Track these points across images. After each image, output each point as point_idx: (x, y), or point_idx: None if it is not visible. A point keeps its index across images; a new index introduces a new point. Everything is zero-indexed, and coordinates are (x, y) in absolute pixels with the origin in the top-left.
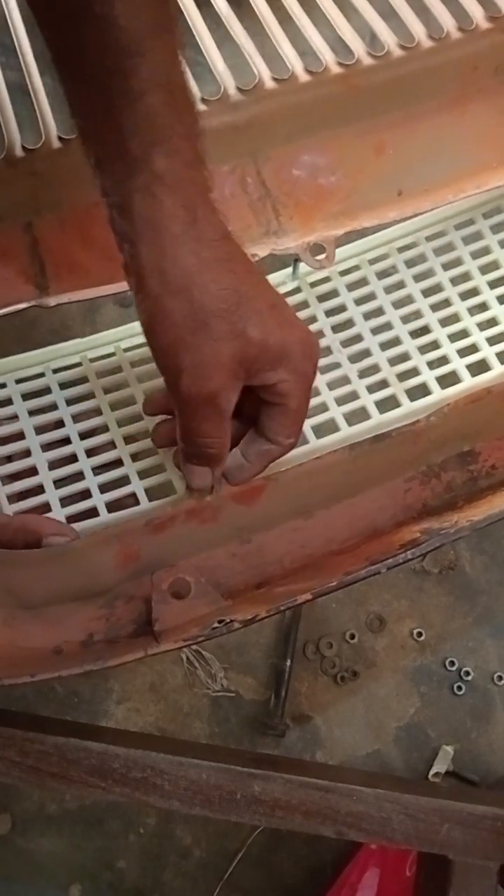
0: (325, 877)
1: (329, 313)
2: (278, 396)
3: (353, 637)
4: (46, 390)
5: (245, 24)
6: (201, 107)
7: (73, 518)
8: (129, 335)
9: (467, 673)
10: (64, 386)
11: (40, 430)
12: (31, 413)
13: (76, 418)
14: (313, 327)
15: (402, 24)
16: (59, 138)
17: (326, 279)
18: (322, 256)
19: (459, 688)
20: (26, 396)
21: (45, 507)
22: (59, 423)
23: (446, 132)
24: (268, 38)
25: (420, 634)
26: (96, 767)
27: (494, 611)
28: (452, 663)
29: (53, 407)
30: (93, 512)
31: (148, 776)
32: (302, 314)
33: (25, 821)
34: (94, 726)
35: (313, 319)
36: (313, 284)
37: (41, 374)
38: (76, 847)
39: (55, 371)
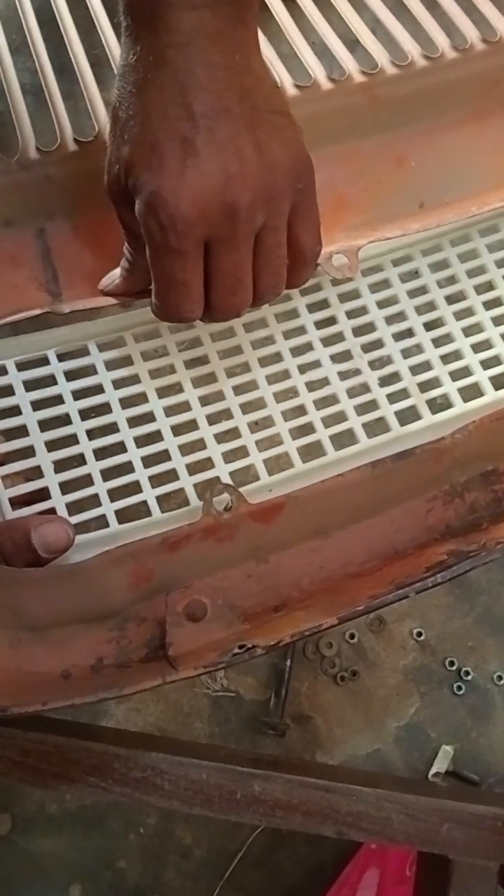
0: (325, 877)
1: (350, 315)
2: None
3: (353, 637)
4: (51, 379)
5: (265, 31)
6: None
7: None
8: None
9: (467, 673)
10: (70, 377)
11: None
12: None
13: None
14: (333, 329)
15: (425, 34)
16: (76, 141)
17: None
18: (345, 265)
19: (459, 688)
20: (29, 386)
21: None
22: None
23: (469, 145)
24: (288, 45)
25: (420, 634)
26: (97, 767)
27: (494, 611)
28: (452, 663)
29: (59, 400)
30: (102, 521)
31: (148, 776)
32: (322, 314)
33: (25, 821)
34: (95, 726)
35: (333, 321)
36: (335, 283)
37: (45, 361)
38: (76, 847)
39: (60, 358)
